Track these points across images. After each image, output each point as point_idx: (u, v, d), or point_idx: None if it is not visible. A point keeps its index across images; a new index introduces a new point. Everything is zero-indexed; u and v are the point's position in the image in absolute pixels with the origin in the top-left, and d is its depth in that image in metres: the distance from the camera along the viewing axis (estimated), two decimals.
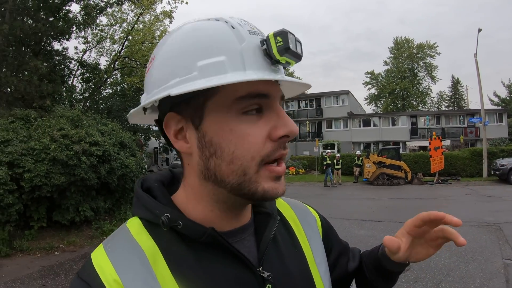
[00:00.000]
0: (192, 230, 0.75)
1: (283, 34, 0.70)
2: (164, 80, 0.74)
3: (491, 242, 8.52)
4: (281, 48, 0.70)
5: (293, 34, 0.72)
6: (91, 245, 9.01)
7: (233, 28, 0.72)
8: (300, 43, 0.75)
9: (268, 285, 0.79)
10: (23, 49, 13.85)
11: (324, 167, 23.31)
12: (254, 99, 0.71)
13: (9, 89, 12.29)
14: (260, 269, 0.80)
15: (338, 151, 33.42)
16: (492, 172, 23.16)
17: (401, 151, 34.28)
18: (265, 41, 0.71)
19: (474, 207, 13.50)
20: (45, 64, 13.48)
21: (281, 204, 1.01)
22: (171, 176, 0.93)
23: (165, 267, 0.73)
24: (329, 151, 26.85)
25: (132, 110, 0.84)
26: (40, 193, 8.64)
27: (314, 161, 30.29)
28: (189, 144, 0.77)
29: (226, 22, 0.73)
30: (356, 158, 25.99)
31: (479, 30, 25.61)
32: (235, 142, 0.71)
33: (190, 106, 0.75)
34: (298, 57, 0.74)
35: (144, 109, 0.82)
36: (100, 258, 0.74)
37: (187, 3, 17.17)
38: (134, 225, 0.80)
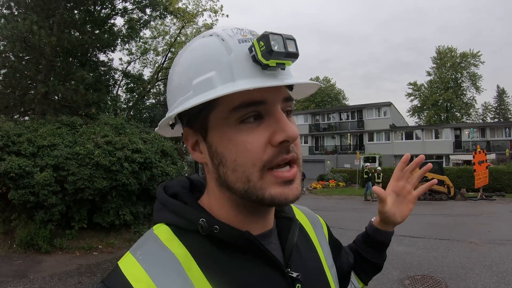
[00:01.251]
0: (229, 234, 0.76)
1: (264, 38, 0.70)
2: (173, 100, 0.81)
3: None
4: (265, 52, 0.70)
5: (279, 35, 0.71)
6: (129, 247, 9.22)
7: (223, 40, 0.75)
8: (293, 40, 0.74)
9: (297, 285, 0.83)
10: (70, 59, 14.49)
11: (365, 180, 22.87)
12: (248, 107, 0.73)
13: (56, 97, 12.92)
14: (289, 270, 0.83)
15: (380, 164, 32.83)
16: None
17: (444, 165, 33.19)
18: (252, 48, 0.72)
19: None
20: (91, 74, 14.13)
21: (295, 210, 1.05)
22: (189, 183, 0.94)
23: (200, 273, 0.73)
24: (368, 164, 26.35)
25: (156, 129, 0.91)
26: (82, 195, 9.06)
27: (354, 174, 29.74)
28: (203, 155, 0.80)
29: (218, 36, 0.76)
30: None
31: None
32: (235, 151, 0.74)
33: (198, 121, 0.79)
34: (290, 55, 0.73)
35: (171, 125, 0.86)
36: (132, 267, 0.72)
37: (227, 16, 17.53)
38: (162, 231, 0.79)
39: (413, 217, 14.90)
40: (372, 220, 1.22)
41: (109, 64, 17.01)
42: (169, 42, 18.14)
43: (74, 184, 8.84)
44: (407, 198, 1.17)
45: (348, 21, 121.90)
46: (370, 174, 22.89)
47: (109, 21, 16.07)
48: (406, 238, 10.62)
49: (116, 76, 17.94)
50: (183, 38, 17.96)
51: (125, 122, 12.03)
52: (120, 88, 18.31)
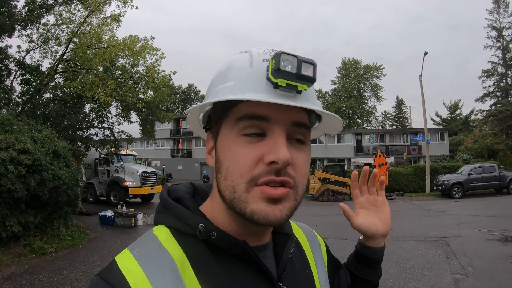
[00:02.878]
0: (225, 241, 0.77)
1: (276, 56, 0.70)
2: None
3: (439, 257, 8.65)
4: (273, 70, 0.70)
5: (295, 56, 0.71)
6: (19, 265, 8.18)
7: (251, 57, 0.77)
8: (312, 64, 0.73)
9: None
10: None
11: None
12: (251, 120, 0.74)
13: None
14: (281, 284, 0.83)
15: None
16: (435, 188, 24.35)
17: (346, 168, 35.09)
18: (267, 66, 0.73)
19: (419, 222, 13.85)
20: None
21: (294, 227, 1.06)
22: (193, 189, 0.96)
23: (193, 277, 0.73)
24: None
25: (190, 127, 0.99)
26: None
27: None
28: (213, 160, 0.82)
29: (250, 53, 0.79)
30: None
31: (425, 53, 27.21)
32: (230, 159, 0.75)
33: (215, 126, 0.82)
34: (303, 78, 0.72)
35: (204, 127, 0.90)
36: (128, 262, 0.72)
37: (137, 8, 16.50)
38: (162, 233, 0.80)
39: (317, 218, 15.47)
40: (361, 238, 1.18)
41: (6, 51, 15.17)
42: (73, 30, 16.62)
43: None
44: (377, 204, 1.15)
45: (260, 29, 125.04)
46: None
47: (9, 2, 14.19)
48: None
49: (11, 66, 16.04)
50: (88, 28, 16.57)
51: (12, 117, 10.65)
52: (15, 80, 16.37)
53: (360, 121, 62.98)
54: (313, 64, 0.73)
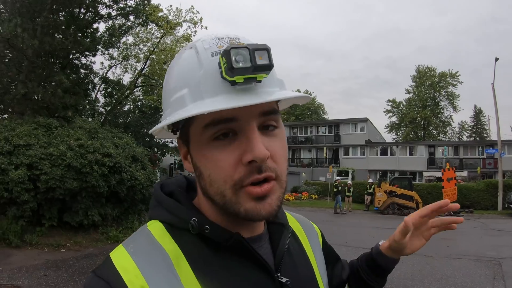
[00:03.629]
0: (219, 234, 0.78)
1: (226, 54, 0.66)
2: (163, 112, 0.85)
3: (486, 277, 8.31)
4: (227, 70, 0.66)
5: (245, 47, 0.67)
6: (95, 247, 9.82)
7: (198, 54, 0.74)
8: (265, 50, 0.69)
9: None
10: (51, 61, 15.01)
11: (335, 193, 23.43)
12: (219, 125, 0.72)
13: (36, 97, 13.34)
14: (279, 274, 0.83)
15: (353, 178, 33.51)
16: (506, 205, 22.99)
17: (418, 181, 34.08)
18: (219, 63, 0.69)
19: (478, 241, 13.43)
20: (72, 77, 14.73)
21: (289, 217, 1.04)
22: (186, 183, 0.95)
23: (189, 271, 0.74)
24: (339, 178, 26.83)
25: (153, 132, 0.88)
26: (53, 194, 9.56)
27: (327, 187, 29.81)
28: (191, 165, 0.82)
29: (196, 49, 0.75)
30: (368, 186, 25.95)
31: (496, 59, 26.12)
32: (209, 167, 0.74)
33: (183, 133, 0.82)
34: (260, 68, 0.68)
35: (172, 131, 0.87)
36: (122, 258, 0.74)
37: (206, 28, 18.07)
38: (156, 228, 0.81)
39: (377, 230, 16.13)
40: (380, 243, 1.17)
41: (90, 67, 17.44)
42: (150, 49, 18.66)
43: (46, 183, 9.32)
44: (423, 233, 1.12)
45: (331, 38, 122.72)
46: (340, 188, 23.36)
47: (92, 25, 16.57)
48: (364, 250, 10.71)
49: (96, 80, 18.42)
50: (163, 47, 18.41)
51: (98, 126, 12.53)
52: (99, 92, 18.80)
53: (435, 132, 60.12)
54: (266, 49, 0.69)
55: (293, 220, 1.07)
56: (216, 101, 0.69)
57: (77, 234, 10.24)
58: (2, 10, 14.70)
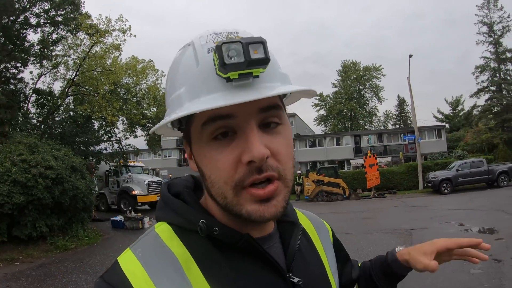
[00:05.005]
0: (229, 236, 0.76)
1: (217, 49, 0.64)
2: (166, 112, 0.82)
3: (395, 246, 9.34)
4: (219, 66, 0.64)
5: (238, 41, 0.64)
6: (47, 257, 10.27)
7: (195, 51, 0.72)
8: (261, 43, 0.66)
9: None
10: None
11: None
12: (216, 122, 0.69)
13: None
14: (290, 274, 0.82)
15: None
16: (425, 185, 25.14)
17: (346, 169, 35.98)
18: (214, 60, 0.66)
19: (395, 217, 14.72)
20: (5, 90, 14.69)
21: (299, 215, 1.03)
22: (193, 182, 0.93)
23: (199, 274, 0.73)
24: None
25: (156, 131, 0.86)
26: (2, 210, 9.88)
27: None
28: (195, 164, 0.79)
29: (193, 45, 0.73)
30: (296, 177, 26.48)
31: (410, 56, 28.75)
32: (209, 168, 0.73)
33: (185, 133, 0.80)
34: (256, 63, 0.65)
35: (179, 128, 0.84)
36: (130, 263, 0.72)
37: (135, 36, 18.24)
38: (164, 230, 0.79)
39: None
40: (396, 250, 1.12)
41: (23, 80, 17.44)
42: (80, 56, 18.59)
43: None
44: (443, 257, 1.04)
45: (260, 35, 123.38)
46: None
47: (22, 35, 16.57)
48: None
49: (27, 91, 18.28)
50: (93, 55, 18.28)
51: (37, 140, 12.84)
52: (30, 103, 18.63)
53: (362, 122, 62.59)
54: (261, 42, 0.66)
55: (303, 218, 1.05)
56: (212, 99, 0.67)
57: (27, 247, 10.59)
58: None
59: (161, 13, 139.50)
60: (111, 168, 22.66)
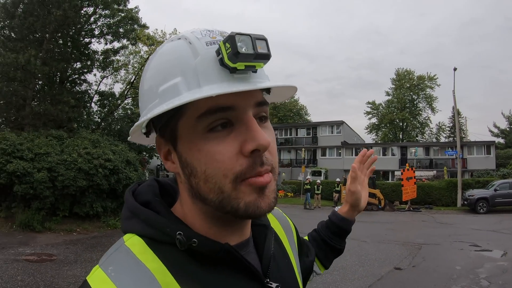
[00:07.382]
0: (209, 247, 0.72)
1: (230, 39, 0.64)
2: (143, 107, 0.78)
3: (399, 256, 9.89)
4: (231, 55, 0.64)
5: (248, 35, 0.66)
6: (99, 232, 12.70)
7: (190, 43, 0.71)
8: (264, 40, 0.68)
9: None
10: (54, 79, 17.85)
11: (305, 191, 25.73)
12: (216, 113, 0.68)
13: (42, 110, 16.01)
14: (268, 280, 0.80)
15: (326, 178, 36.01)
16: (463, 202, 24.57)
17: (390, 180, 36.10)
18: (219, 50, 0.67)
19: (416, 231, 15.11)
20: (73, 90, 17.70)
21: (268, 215, 0.99)
22: (158, 188, 0.85)
23: None
24: (309, 177, 29.03)
25: (129, 138, 0.86)
26: (68, 191, 12.43)
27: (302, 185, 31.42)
28: (175, 164, 0.76)
29: (186, 39, 0.72)
30: (336, 184, 27.35)
31: (455, 69, 28.63)
32: (204, 161, 0.69)
33: (168, 130, 0.74)
34: (260, 57, 0.67)
35: (145, 133, 0.80)
36: (102, 283, 0.65)
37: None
38: (135, 243, 0.72)
39: None
40: (336, 209, 1.28)
41: (89, 83, 20.31)
42: (139, 61, 21.17)
43: (62, 182, 12.16)
44: (363, 185, 1.27)
45: (315, 40, 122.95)
46: (310, 186, 25.85)
47: (88, 47, 19.29)
48: None
49: (91, 92, 21.06)
50: None
51: (100, 137, 15.38)
52: (93, 103, 21.41)
53: (413, 133, 61.68)
54: (264, 39, 0.68)
55: (273, 218, 1.03)
56: (215, 88, 0.66)
57: (84, 222, 13.06)
58: (10, 35, 17.33)
59: (216, 16, 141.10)
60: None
